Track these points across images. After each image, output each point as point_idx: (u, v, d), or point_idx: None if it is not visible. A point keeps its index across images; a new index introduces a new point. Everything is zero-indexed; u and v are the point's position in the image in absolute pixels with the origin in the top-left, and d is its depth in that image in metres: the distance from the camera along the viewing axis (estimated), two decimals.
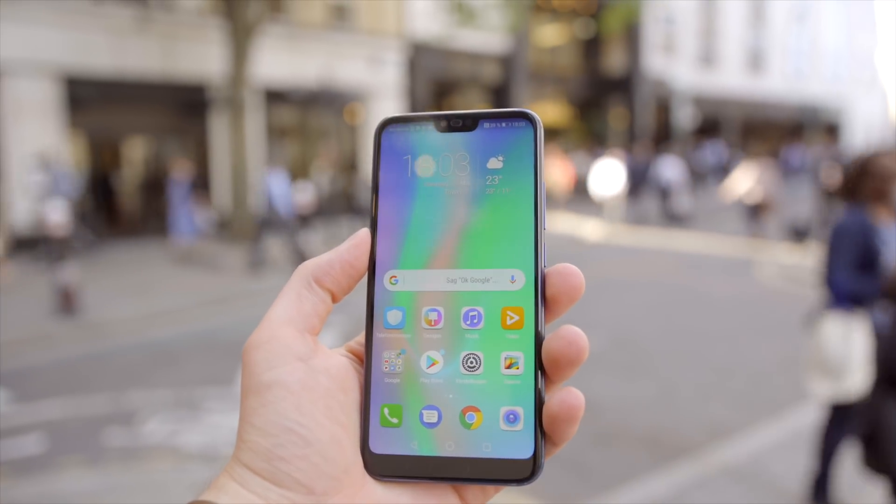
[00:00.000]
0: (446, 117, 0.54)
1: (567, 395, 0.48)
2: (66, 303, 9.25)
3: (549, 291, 0.51)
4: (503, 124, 0.54)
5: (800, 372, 7.10)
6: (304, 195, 13.52)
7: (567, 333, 0.49)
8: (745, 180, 15.13)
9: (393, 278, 0.53)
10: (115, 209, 15.80)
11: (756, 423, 5.73)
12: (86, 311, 9.34)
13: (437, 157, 0.54)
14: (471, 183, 0.53)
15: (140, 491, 4.62)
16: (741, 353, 7.71)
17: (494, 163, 0.53)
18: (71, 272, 9.43)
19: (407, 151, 0.54)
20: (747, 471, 4.91)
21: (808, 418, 5.84)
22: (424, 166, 0.54)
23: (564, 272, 0.51)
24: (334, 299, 0.52)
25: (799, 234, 14.08)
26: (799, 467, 4.89)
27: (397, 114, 0.56)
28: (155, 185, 16.00)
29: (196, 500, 0.46)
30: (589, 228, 16.59)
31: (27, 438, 5.62)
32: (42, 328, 8.71)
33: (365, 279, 0.54)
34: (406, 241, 0.53)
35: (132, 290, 10.67)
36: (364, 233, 0.53)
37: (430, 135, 0.54)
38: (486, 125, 0.54)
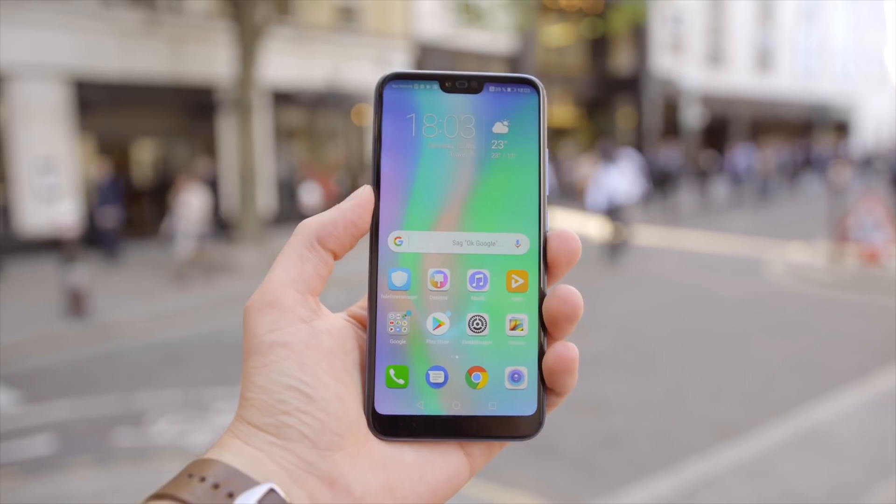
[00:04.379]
0: (452, 77, 0.54)
1: (562, 349, 0.51)
2: (76, 304, 9.30)
3: (549, 256, 0.53)
4: (508, 89, 0.54)
5: (808, 371, 7.07)
6: (311, 196, 13.56)
7: (562, 292, 0.51)
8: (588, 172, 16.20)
9: (397, 239, 0.52)
10: (124, 210, 15.85)
11: (765, 423, 5.71)
12: (95, 312, 9.38)
13: (442, 117, 0.53)
14: (476, 146, 0.53)
15: (149, 491, 4.62)
16: (750, 353, 7.67)
17: (500, 127, 0.53)
18: (81, 274, 9.47)
19: (411, 110, 0.53)
20: (756, 470, 4.88)
21: (817, 418, 5.81)
22: (429, 126, 0.53)
23: (563, 237, 0.52)
24: (335, 258, 0.52)
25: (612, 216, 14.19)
26: (808, 467, 4.87)
27: (400, 70, 0.55)
28: (163, 187, 16.08)
29: (199, 458, 0.46)
30: (596, 228, 16.53)
31: (37, 439, 5.66)
32: (51, 330, 8.76)
33: (366, 237, 0.53)
34: (410, 201, 0.52)
35: (141, 292, 10.71)
36: (367, 191, 0.52)
37: (435, 94, 0.53)
38: (492, 89, 0.54)
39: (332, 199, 14.18)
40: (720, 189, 23.53)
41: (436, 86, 0.53)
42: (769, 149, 24.57)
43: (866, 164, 32.68)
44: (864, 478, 4.75)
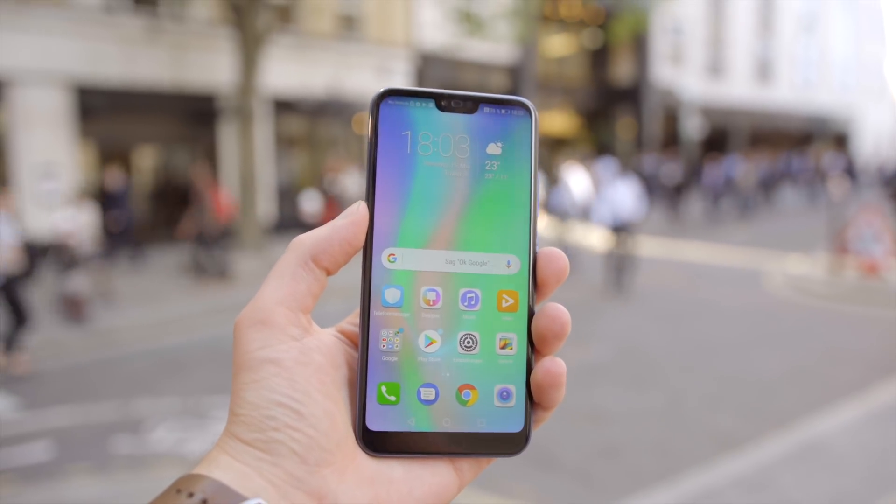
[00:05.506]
0: (448, 97, 0.54)
1: (550, 365, 0.52)
2: (75, 310, 9.29)
3: (538, 275, 0.54)
4: (503, 111, 0.54)
5: (808, 383, 7.06)
6: (312, 204, 13.57)
7: (550, 311, 0.52)
8: (580, 181, 15.44)
9: (391, 256, 0.52)
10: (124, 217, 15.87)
11: (764, 435, 5.70)
12: (94, 318, 9.37)
13: (437, 136, 0.53)
14: (469, 166, 0.54)
15: (147, 499, 4.60)
16: (749, 364, 7.67)
17: (494, 148, 0.54)
18: (80, 280, 9.47)
19: (407, 127, 0.53)
20: (755, 483, 4.87)
21: (818, 430, 5.80)
22: (424, 144, 0.53)
23: (551, 256, 0.54)
24: (328, 274, 0.52)
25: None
26: (807, 480, 4.86)
27: (396, 86, 0.55)
28: (164, 194, 16.10)
29: (188, 474, 0.46)
30: (596, 238, 16.55)
31: (35, 445, 5.64)
32: (51, 336, 8.74)
33: (359, 254, 0.53)
34: (405, 219, 0.53)
35: (141, 299, 10.70)
36: (363, 208, 0.52)
37: (431, 113, 0.54)
38: (486, 110, 0.54)
39: (223, 214, 12.47)
40: (698, 203, 22.45)
41: (432, 104, 0.54)
42: (750, 162, 23.18)
43: (849, 177, 31.17)
44: (863, 491, 4.74)
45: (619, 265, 11.37)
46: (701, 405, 6.50)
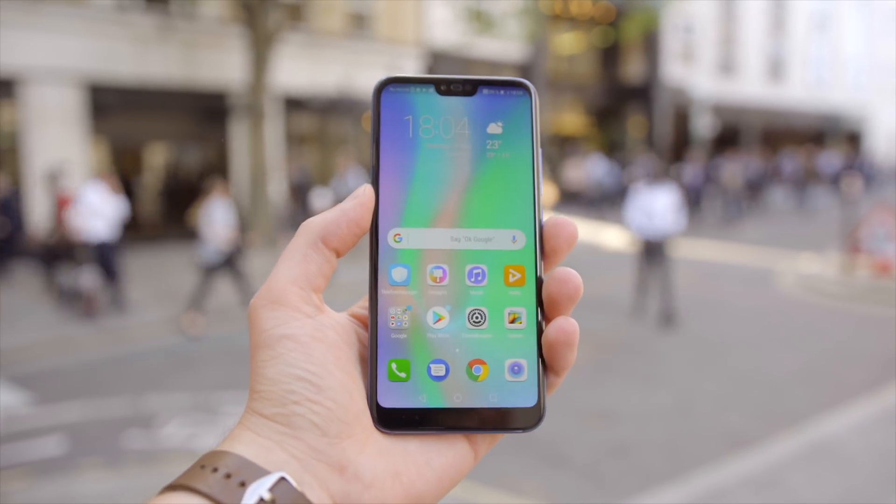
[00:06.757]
0: (446, 81, 0.55)
1: (563, 322, 0.52)
2: (87, 307, 9.35)
3: (549, 243, 0.54)
4: (502, 92, 0.56)
5: (819, 383, 7.03)
6: (323, 201, 13.60)
7: (560, 274, 0.53)
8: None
9: (397, 236, 0.54)
10: (136, 215, 15.96)
11: (774, 434, 5.68)
12: (106, 315, 9.43)
13: (438, 119, 0.55)
14: (471, 146, 0.55)
15: None
16: (760, 363, 7.64)
17: (494, 128, 0.55)
18: (91, 277, 9.53)
19: (408, 112, 0.55)
20: (765, 482, 4.86)
21: (828, 429, 5.78)
22: (426, 127, 0.55)
23: (561, 223, 0.54)
24: (338, 255, 0.53)
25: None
26: (817, 479, 4.84)
27: (396, 74, 0.56)
28: (175, 191, 16.18)
29: (211, 451, 0.47)
30: (608, 236, 16.52)
31: (48, 440, 5.69)
32: (63, 332, 8.81)
33: (366, 235, 0.54)
34: (409, 200, 0.54)
35: (152, 295, 10.76)
36: (368, 190, 0.53)
37: (431, 97, 0.55)
38: (485, 91, 0.56)
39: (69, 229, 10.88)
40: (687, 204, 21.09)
41: (431, 89, 0.55)
42: (737, 163, 21.65)
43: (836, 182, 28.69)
44: (873, 491, 4.73)
45: (645, 287, 9.63)
46: (711, 404, 6.49)
